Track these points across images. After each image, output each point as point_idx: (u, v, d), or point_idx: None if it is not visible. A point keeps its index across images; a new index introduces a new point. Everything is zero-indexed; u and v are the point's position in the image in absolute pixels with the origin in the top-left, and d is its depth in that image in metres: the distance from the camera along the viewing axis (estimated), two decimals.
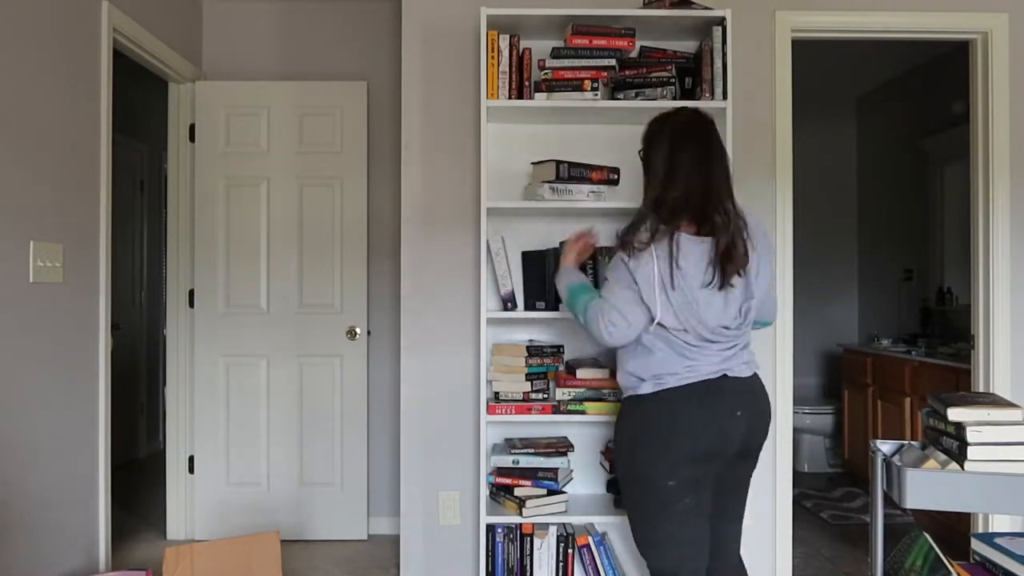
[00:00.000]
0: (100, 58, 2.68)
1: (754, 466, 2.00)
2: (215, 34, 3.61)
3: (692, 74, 2.57)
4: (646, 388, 1.87)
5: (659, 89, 2.53)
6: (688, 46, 2.72)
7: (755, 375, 1.94)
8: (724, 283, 1.81)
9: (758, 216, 1.99)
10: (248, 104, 3.49)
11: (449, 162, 2.84)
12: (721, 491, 1.94)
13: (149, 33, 3.04)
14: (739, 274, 1.83)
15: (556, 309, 2.52)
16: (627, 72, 2.55)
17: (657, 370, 1.86)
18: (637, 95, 2.53)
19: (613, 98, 2.54)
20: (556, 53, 2.56)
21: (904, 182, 4.84)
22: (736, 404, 1.85)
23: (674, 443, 1.81)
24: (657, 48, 2.61)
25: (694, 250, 1.81)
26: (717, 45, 2.50)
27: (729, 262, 1.80)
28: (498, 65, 2.51)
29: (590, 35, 2.52)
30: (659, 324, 1.83)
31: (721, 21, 2.49)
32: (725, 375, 1.86)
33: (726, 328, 1.85)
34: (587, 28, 2.52)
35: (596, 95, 2.53)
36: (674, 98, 2.53)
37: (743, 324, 1.88)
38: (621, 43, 2.54)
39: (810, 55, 3.33)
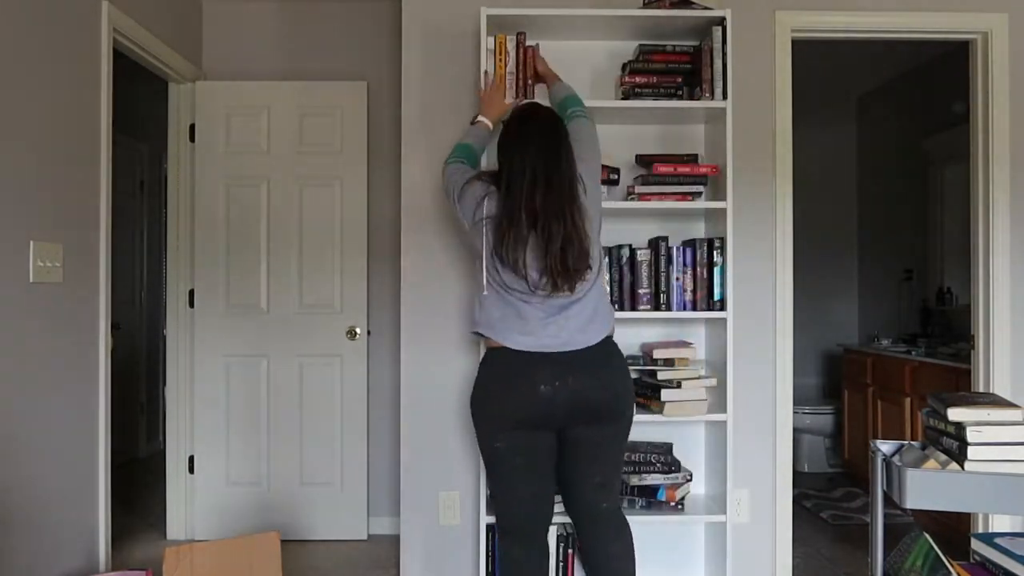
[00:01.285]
0: (100, 58, 2.68)
1: (608, 434, 2.05)
2: (215, 34, 3.61)
3: (693, 73, 2.57)
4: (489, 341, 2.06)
5: (667, 100, 2.55)
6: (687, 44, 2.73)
7: (590, 348, 2.00)
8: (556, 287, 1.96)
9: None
10: (248, 104, 3.49)
11: None
12: (568, 454, 2.06)
13: (149, 33, 3.04)
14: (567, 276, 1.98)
15: None
16: (637, 79, 2.56)
17: (495, 325, 2.04)
18: (661, 93, 2.56)
19: (634, 95, 2.55)
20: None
21: (904, 182, 4.84)
22: (555, 375, 1.96)
23: (496, 409, 2.00)
24: (657, 47, 2.60)
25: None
26: (717, 45, 2.50)
27: (560, 274, 1.94)
28: (506, 66, 2.51)
29: None
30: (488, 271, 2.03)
31: (721, 21, 2.49)
32: (547, 350, 1.98)
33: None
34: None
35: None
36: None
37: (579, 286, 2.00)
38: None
39: (810, 55, 3.33)
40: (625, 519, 2.13)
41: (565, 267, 1.92)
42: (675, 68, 2.56)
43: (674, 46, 2.59)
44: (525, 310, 1.99)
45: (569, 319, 1.99)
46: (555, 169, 1.96)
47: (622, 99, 2.57)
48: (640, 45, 2.63)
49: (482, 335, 2.07)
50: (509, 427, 1.98)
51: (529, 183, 1.93)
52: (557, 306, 1.99)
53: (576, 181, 1.99)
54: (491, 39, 2.53)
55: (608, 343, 2.04)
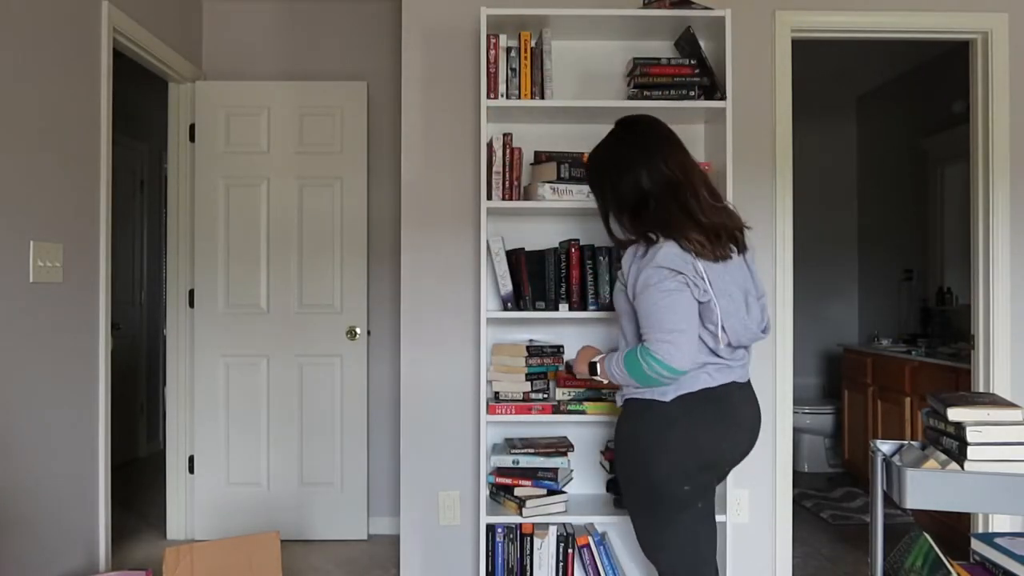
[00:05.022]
0: (100, 58, 2.68)
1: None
2: (215, 34, 3.61)
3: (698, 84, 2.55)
4: (670, 394, 1.79)
5: (684, 90, 2.51)
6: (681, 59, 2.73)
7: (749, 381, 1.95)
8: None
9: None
10: (248, 104, 3.49)
11: (449, 162, 2.84)
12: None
13: (149, 33, 3.04)
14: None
15: (556, 309, 2.52)
16: (654, 70, 2.52)
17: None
18: (663, 95, 2.51)
19: (642, 97, 2.52)
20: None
21: (904, 182, 4.84)
22: (745, 412, 1.88)
23: (692, 449, 1.79)
24: (652, 59, 2.58)
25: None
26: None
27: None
28: (530, 66, 2.52)
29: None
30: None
31: (721, 21, 2.49)
32: (735, 382, 1.85)
33: (756, 330, 1.86)
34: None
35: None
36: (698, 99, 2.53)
37: (765, 323, 1.88)
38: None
39: (810, 55, 3.33)
40: None
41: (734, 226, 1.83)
42: (681, 81, 2.52)
43: (668, 59, 2.55)
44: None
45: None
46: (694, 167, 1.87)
47: (633, 91, 2.56)
48: (634, 59, 2.57)
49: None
50: (702, 469, 1.82)
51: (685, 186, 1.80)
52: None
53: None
54: (503, 37, 2.52)
55: None
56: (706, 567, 1.89)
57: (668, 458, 1.79)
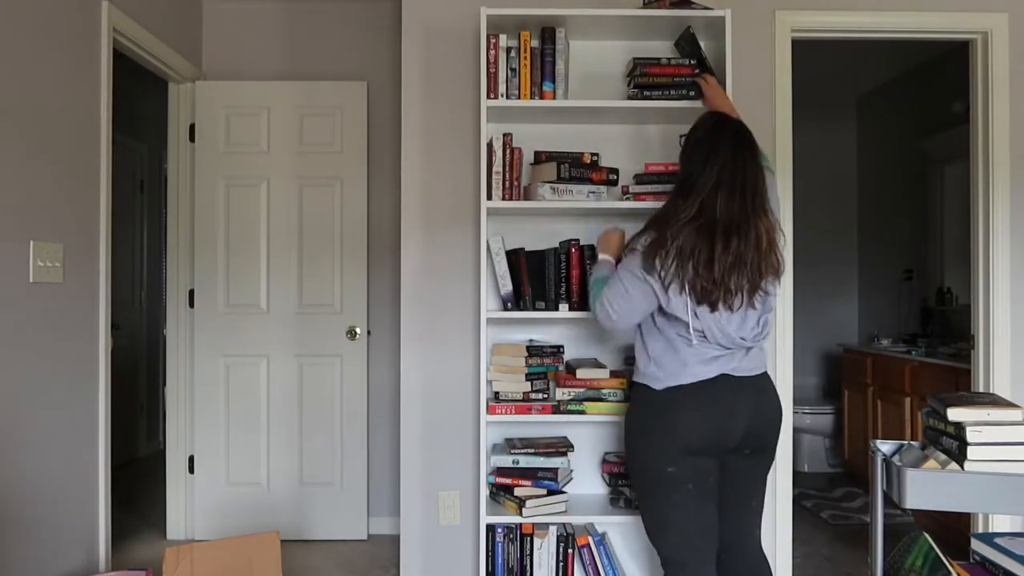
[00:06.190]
0: (100, 58, 2.68)
1: (766, 464, 2.07)
2: (215, 34, 3.61)
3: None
4: (660, 384, 1.94)
5: (684, 90, 2.50)
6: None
7: (764, 374, 2.00)
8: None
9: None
10: (248, 104, 3.49)
11: (449, 162, 2.84)
12: (729, 484, 1.99)
13: (149, 33, 3.04)
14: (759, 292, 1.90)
15: (556, 309, 2.52)
16: (654, 70, 2.52)
17: (673, 369, 1.93)
18: (663, 95, 2.51)
19: (642, 97, 2.52)
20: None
21: (904, 182, 4.84)
22: (735, 401, 1.91)
23: (676, 434, 1.90)
24: (652, 59, 2.57)
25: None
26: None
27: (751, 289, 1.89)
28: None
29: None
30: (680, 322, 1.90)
31: (721, 21, 2.49)
32: (727, 374, 1.91)
33: (743, 339, 1.91)
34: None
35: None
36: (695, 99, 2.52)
37: (760, 336, 1.95)
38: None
39: (810, 55, 3.33)
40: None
41: (754, 280, 1.86)
42: (681, 81, 2.52)
43: (668, 59, 2.55)
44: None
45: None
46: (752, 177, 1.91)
47: (633, 91, 2.55)
48: (633, 59, 2.57)
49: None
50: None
51: (714, 189, 1.87)
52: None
53: (766, 194, 1.94)
54: (503, 36, 2.52)
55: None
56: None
57: (652, 442, 1.95)
